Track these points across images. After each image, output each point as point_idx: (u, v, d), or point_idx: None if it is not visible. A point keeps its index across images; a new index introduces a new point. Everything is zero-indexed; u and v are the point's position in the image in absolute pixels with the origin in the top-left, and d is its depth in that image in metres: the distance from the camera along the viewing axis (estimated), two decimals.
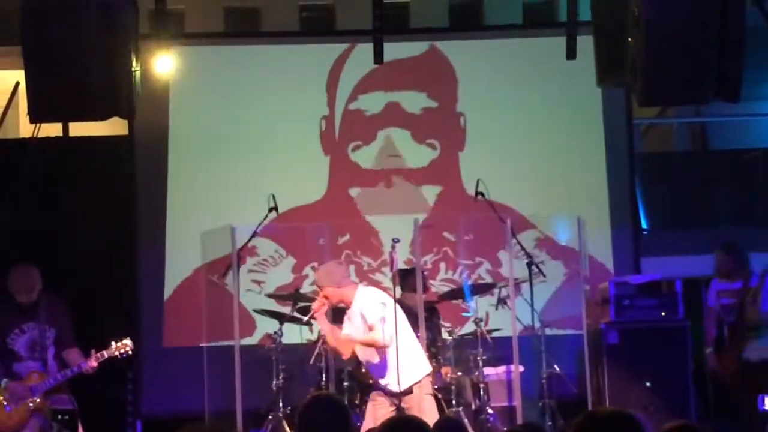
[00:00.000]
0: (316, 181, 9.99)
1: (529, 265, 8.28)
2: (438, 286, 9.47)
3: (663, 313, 8.62)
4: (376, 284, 8.42)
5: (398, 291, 7.47)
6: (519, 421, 7.66)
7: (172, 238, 9.80)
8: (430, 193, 10.03)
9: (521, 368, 7.99)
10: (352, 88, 10.10)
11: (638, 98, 7.58)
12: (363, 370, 7.43)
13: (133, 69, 6.55)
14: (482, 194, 8.28)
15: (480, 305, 8.63)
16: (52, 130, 9.83)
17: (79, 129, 10.02)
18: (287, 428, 7.87)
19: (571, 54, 8.03)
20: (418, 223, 8.56)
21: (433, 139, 10.09)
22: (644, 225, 10.12)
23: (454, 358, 8.15)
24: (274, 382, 8.06)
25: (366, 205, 9.98)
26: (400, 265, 8.13)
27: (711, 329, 8.27)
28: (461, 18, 10.98)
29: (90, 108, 6.55)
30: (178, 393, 9.15)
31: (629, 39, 6.85)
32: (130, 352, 7.32)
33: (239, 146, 9.95)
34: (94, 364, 7.21)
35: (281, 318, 8.26)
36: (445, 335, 8.34)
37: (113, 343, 7.27)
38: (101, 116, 6.71)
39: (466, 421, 7.49)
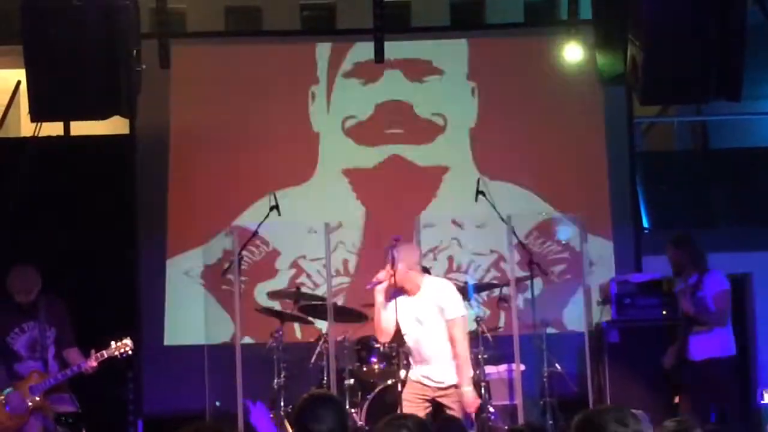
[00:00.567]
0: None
1: (530, 263, 8.26)
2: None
3: (664, 312, 8.64)
4: None
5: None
6: (520, 419, 7.65)
7: (172, 237, 9.80)
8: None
9: (522, 367, 7.97)
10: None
11: (639, 97, 7.59)
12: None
13: (134, 68, 6.56)
14: (483, 194, 8.24)
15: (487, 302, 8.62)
16: (53, 129, 9.81)
17: (80, 128, 10.01)
18: (288, 427, 7.85)
19: (571, 52, 8.05)
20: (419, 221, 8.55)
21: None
22: (645, 224, 10.10)
23: None
24: (275, 380, 8.06)
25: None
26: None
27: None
28: (462, 17, 10.95)
29: (91, 107, 6.56)
30: (179, 392, 9.15)
31: (630, 38, 6.86)
32: (130, 352, 7.32)
33: (240, 145, 9.94)
34: (94, 363, 7.22)
35: (282, 317, 8.27)
36: None
37: (113, 342, 7.27)
38: (102, 115, 6.72)
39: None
